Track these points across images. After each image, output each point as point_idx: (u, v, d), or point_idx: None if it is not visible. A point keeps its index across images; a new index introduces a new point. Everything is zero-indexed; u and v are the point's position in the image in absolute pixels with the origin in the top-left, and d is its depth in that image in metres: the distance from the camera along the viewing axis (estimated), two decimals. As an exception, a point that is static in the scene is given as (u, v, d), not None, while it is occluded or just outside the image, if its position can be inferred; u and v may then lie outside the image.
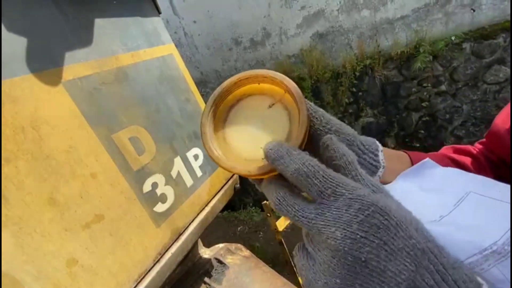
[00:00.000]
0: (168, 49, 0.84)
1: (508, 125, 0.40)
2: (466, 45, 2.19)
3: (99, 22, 0.65)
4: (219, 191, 0.95)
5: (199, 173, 0.87)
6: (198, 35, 3.11)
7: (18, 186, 0.48)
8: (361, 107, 2.70)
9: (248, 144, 0.28)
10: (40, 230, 0.49)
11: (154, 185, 0.72)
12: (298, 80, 2.69)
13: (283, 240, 1.69)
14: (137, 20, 0.76)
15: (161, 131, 0.76)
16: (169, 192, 0.76)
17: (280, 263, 2.12)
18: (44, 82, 0.53)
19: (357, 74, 2.54)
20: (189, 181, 0.83)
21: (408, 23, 2.31)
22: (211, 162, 0.93)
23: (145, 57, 0.76)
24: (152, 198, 0.71)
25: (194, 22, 3.06)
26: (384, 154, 0.33)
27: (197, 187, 0.85)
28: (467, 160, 0.46)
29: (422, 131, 2.60)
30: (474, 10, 2.11)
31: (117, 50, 0.69)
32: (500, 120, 0.43)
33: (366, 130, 2.76)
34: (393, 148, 2.73)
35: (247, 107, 0.30)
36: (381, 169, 0.31)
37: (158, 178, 0.73)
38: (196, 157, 0.87)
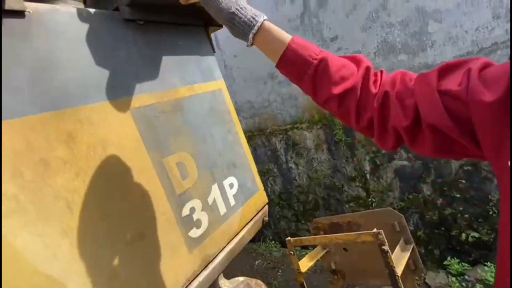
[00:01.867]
0: (219, 84, 0.92)
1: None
2: None
3: (165, 59, 0.75)
4: (248, 222, 0.95)
5: (232, 202, 0.89)
6: (236, 68, 3.34)
7: (82, 199, 0.53)
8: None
9: None
10: (93, 242, 0.54)
11: (192, 210, 0.75)
12: (330, 116, 2.71)
13: (305, 283, 1.60)
14: (195, 58, 0.85)
15: (204, 158, 0.81)
16: (204, 218, 0.78)
17: (298, 307, 1.97)
18: (116, 109, 0.61)
19: (392, 115, 2.50)
20: (222, 209, 0.85)
21: (448, 70, 2.28)
22: (244, 192, 0.95)
23: (199, 90, 0.84)
24: (189, 222, 0.73)
25: (235, 56, 3.30)
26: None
27: (229, 216, 0.87)
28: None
29: (463, 181, 2.42)
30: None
31: (176, 83, 0.77)
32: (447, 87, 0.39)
33: (399, 174, 2.63)
34: (430, 196, 2.54)
35: None
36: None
37: (196, 203, 0.76)
38: (231, 185, 0.90)
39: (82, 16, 0.59)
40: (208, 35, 0.92)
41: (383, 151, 2.65)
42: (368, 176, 2.77)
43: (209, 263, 0.77)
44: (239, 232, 0.90)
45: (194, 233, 0.74)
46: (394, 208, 1.93)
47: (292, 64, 0.51)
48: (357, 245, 1.48)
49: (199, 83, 0.84)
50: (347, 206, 3.00)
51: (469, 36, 2.16)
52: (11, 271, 0.43)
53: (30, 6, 0.51)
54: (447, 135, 0.39)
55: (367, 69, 0.48)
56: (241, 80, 3.36)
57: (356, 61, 0.49)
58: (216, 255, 0.80)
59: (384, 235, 1.04)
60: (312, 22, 2.80)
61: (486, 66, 0.37)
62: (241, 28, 0.51)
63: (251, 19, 0.50)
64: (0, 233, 0.40)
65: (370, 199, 2.82)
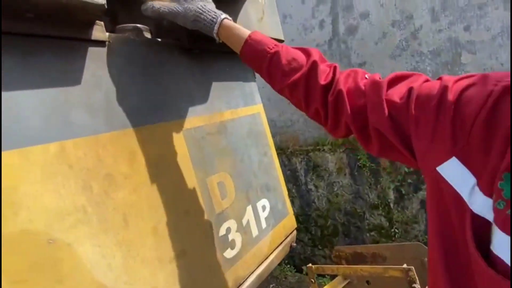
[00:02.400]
0: (258, 108, 0.96)
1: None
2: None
3: (214, 85, 0.80)
4: (278, 246, 0.95)
5: (264, 224, 0.90)
6: (262, 87, 3.43)
7: (137, 213, 0.56)
8: (422, 179, 2.51)
9: None
10: (141, 255, 0.56)
11: (228, 230, 0.76)
12: (354, 140, 2.69)
13: (324, 314, 1.53)
14: (239, 84, 0.90)
15: (241, 179, 0.84)
16: (238, 239, 0.79)
17: None
18: (171, 129, 0.66)
19: (420, 144, 2.43)
20: (255, 231, 0.85)
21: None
22: (275, 215, 0.95)
23: (241, 114, 0.88)
24: (224, 242, 0.74)
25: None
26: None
27: (260, 239, 0.87)
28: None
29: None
30: None
31: (222, 107, 0.82)
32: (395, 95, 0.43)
33: (424, 204, 2.52)
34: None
35: None
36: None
37: (232, 223, 0.78)
38: (263, 208, 0.91)
39: (149, 45, 0.66)
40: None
41: (409, 180, 2.56)
42: (392, 205, 2.67)
43: (239, 286, 0.77)
44: (269, 256, 0.90)
45: (229, 253, 0.75)
46: (419, 242, 1.83)
47: (250, 58, 0.57)
48: (383, 279, 1.40)
49: (242, 107, 0.89)
50: (368, 235, 2.88)
51: (505, 69, 2.11)
52: (75, 278, 0.46)
53: (111, 37, 0.58)
54: (392, 142, 0.43)
55: (314, 62, 0.52)
56: (265, 99, 3.43)
57: (307, 54, 0.54)
58: (246, 278, 0.80)
59: (414, 272, 0.99)
60: (340, 47, 2.86)
61: (422, 88, 0.41)
62: (207, 27, 0.57)
63: (211, 19, 0.56)
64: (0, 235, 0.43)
65: (393, 230, 2.70)
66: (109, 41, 0.57)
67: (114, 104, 0.56)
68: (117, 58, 0.58)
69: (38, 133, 0.45)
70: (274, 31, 0.92)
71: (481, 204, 0.31)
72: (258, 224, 0.87)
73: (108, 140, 0.54)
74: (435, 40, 2.36)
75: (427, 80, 0.42)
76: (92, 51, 0.54)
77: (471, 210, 0.32)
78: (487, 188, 0.31)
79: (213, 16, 0.56)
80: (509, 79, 0.32)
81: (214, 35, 0.58)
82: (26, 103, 0.44)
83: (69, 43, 0.51)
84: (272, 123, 3.56)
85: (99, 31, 0.54)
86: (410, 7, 2.43)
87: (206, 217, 0.70)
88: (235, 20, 0.77)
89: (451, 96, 0.35)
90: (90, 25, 0.53)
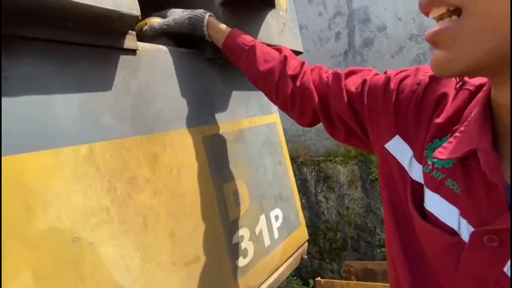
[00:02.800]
0: (274, 118, 0.97)
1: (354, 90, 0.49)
2: None
3: (234, 94, 0.82)
4: (289, 257, 0.94)
5: (276, 234, 0.89)
6: (275, 96, 3.45)
7: (156, 216, 0.58)
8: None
9: None
10: (158, 259, 0.57)
11: (241, 238, 0.76)
12: (367, 153, 2.64)
13: (332, 331, 1.49)
14: (257, 94, 0.92)
15: (256, 188, 0.84)
16: (250, 248, 0.79)
17: None
18: (192, 136, 0.68)
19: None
20: (267, 241, 0.85)
21: None
22: (287, 226, 0.95)
23: (258, 123, 0.89)
24: (237, 250, 0.74)
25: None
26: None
27: (272, 249, 0.86)
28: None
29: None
30: None
31: (241, 115, 0.83)
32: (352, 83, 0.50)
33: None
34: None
35: None
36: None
37: (245, 232, 0.78)
38: (276, 218, 0.91)
39: (175, 54, 0.68)
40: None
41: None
42: (404, 221, 2.60)
43: (250, 296, 0.76)
44: (280, 267, 0.89)
45: (241, 262, 0.75)
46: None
47: (231, 50, 0.64)
48: (395, 298, 1.35)
49: (259, 116, 0.90)
50: (378, 251, 2.80)
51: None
52: (95, 277, 0.47)
53: (140, 45, 0.61)
54: (351, 126, 0.50)
55: (285, 56, 0.60)
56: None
57: (279, 50, 0.63)
58: (257, 288, 0.79)
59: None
60: (356, 59, 2.86)
61: (372, 80, 0.48)
62: (199, 25, 0.64)
63: (201, 16, 0.64)
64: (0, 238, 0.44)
65: (405, 247, 2.61)
66: (139, 50, 0.60)
67: (140, 110, 0.58)
68: (145, 66, 0.61)
69: (71, 135, 0.48)
70: (293, 43, 0.93)
71: (417, 172, 0.39)
72: (270, 234, 0.87)
73: (133, 144, 0.56)
74: (454, 55, 2.32)
75: (376, 74, 0.49)
76: (123, 59, 0.57)
77: (410, 177, 0.39)
78: (419, 158, 0.38)
79: (201, 13, 0.65)
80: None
81: (205, 28, 0.64)
82: (61, 106, 0.47)
83: (103, 51, 0.53)
84: (284, 131, 3.57)
85: (131, 40, 0.57)
86: (429, 21, 2.41)
87: (220, 224, 0.71)
88: (257, 31, 0.79)
89: (392, 85, 0.43)
90: (123, 34, 0.56)
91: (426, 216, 0.36)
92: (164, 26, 0.65)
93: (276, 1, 0.85)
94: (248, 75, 0.66)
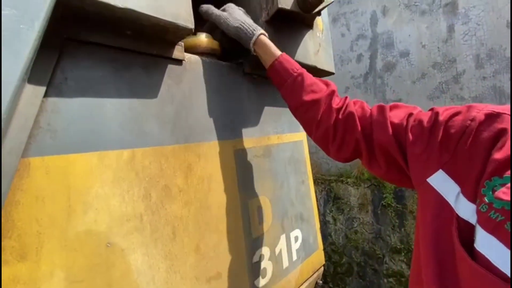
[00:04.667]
0: (301, 136, 0.97)
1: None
2: None
3: (266, 109, 0.82)
4: (305, 281, 0.90)
5: (294, 256, 0.86)
6: (291, 111, 3.45)
7: (184, 227, 0.57)
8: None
9: None
10: (182, 272, 0.56)
11: (261, 257, 0.74)
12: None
13: None
14: (286, 111, 0.91)
15: (279, 206, 0.82)
16: (269, 268, 0.76)
17: None
18: (225, 148, 0.68)
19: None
20: (285, 262, 0.82)
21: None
22: (305, 248, 0.92)
23: (286, 140, 0.88)
24: (256, 269, 0.72)
25: (292, 101, 3.44)
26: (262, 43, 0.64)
27: (290, 271, 0.84)
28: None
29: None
30: None
31: (270, 131, 0.83)
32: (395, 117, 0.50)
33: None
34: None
35: None
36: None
37: (266, 251, 0.76)
38: (296, 239, 0.88)
39: (216, 66, 0.69)
40: (299, 90, 1.00)
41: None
42: (415, 252, 2.49)
43: (264, 318, 0.73)
44: (295, 290, 0.86)
45: (259, 282, 0.73)
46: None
47: (277, 72, 0.64)
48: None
49: (287, 133, 0.89)
50: (385, 280, 2.68)
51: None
52: (122, 285, 0.46)
53: (187, 56, 0.62)
54: (394, 157, 0.49)
55: (333, 91, 0.61)
56: (293, 123, 3.45)
57: (326, 83, 0.63)
58: (272, 311, 0.76)
59: None
60: (376, 82, 2.85)
61: (418, 115, 0.48)
62: (245, 38, 0.64)
63: (252, 32, 0.64)
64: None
65: (414, 280, 2.49)
66: (185, 60, 0.61)
67: (180, 119, 0.59)
68: (189, 77, 0.62)
69: (116, 139, 0.48)
70: (327, 64, 0.94)
71: (465, 209, 0.37)
72: (289, 255, 0.84)
73: (171, 152, 0.56)
74: (479, 87, 2.29)
75: (421, 111, 0.50)
76: (170, 68, 0.58)
77: (456, 214, 0.38)
78: (470, 195, 0.37)
79: (253, 29, 0.64)
80: (489, 109, 0.39)
81: (251, 44, 0.64)
82: (112, 110, 0.48)
83: (153, 59, 0.55)
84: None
85: (179, 51, 0.58)
86: (454, 51, 2.41)
87: (243, 240, 0.69)
88: (295, 50, 0.80)
89: (441, 118, 0.43)
90: (173, 44, 0.57)
91: (476, 257, 0.35)
92: (213, 16, 0.66)
93: (314, 23, 0.87)
94: (290, 101, 0.65)
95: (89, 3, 0.39)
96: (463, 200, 0.38)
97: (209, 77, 0.67)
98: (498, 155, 0.35)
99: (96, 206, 0.45)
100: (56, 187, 0.41)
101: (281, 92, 0.66)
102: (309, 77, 0.63)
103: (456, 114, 0.42)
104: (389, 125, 0.49)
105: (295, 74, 0.63)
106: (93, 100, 0.46)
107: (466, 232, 0.37)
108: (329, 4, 0.73)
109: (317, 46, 0.89)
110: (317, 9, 0.70)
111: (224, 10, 0.67)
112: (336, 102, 0.59)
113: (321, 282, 0.98)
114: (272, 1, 0.67)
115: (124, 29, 0.48)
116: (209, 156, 0.64)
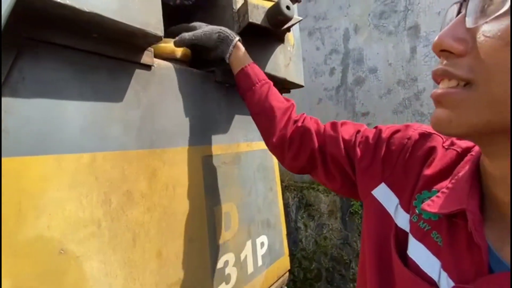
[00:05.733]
0: (271, 144, 1.00)
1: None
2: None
3: (236, 117, 0.84)
4: (269, 287, 0.92)
5: (260, 262, 0.88)
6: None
7: (146, 233, 0.56)
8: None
9: None
10: (142, 279, 0.55)
11: (226, 263, 0.75)
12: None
13: None
14: (257, 119, 0.94)
15: (246, 212, 0.84)
16: (234, 274, 0.77)
17: None
18: (192, 154, 0.68)
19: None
20: (250, 268, 0.84)
21: None
22: (271, 254, 0.94)
23: (255, 147, 0.91)
24: (220, 276, 0.73)
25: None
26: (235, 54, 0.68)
27: (254, 276, 0.85)
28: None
29: None
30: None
31: (239, 139, 0.85)
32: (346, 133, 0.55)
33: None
34: None
35: None
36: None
37: (231, 257, 0.77)
38: (262, 245, 0.90)
39: (186, 73, 0.70)
40: (270, 100, 1.03)
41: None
42: (379, 257, 2.62)
43: (227, 325, 0.74)
44: (259, 296, 0.87)
45: (222, 288, 0.73)
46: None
47: (248, 76, 0.67)
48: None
49: (256, 141, 0.92)
50: (351, 285, 2.79)
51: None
52: (75, 295, 0.45)
53: (156, 62, 0.62)
54: (346, 171, 0.52)
55: (293, 104, 0.66)
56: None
57: (287, 99, 0.67)
58: (235, 317, 0.77)
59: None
60: (346, 95, 3.01)
61: (365, 132, 0.53)
62: (227, 41, 0.67)
63: (233, 35, 0.67)
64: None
65: (378, 284, 2.62)
66: (154, 66, 0.61)
67: (146, 124, 0.59)
68: (157, 82, 0.62)
69: (75, 142, 0.47)
70: (297, 77, 0.99)
71: (402, 219, 0.41)
72: (254, 261, 0.86)
73: (135, 157, 0.56)
74: (436, 104, 2.51)
75: (366, 129, 0.54)
76: (138, 73, 0.58)
77: (395, 223, 0.41)
78: (406, 206, 0.41)
79: (232, 34, 0.68)
80: (423, 129, 0.44)
81: (231, 46, 0.67)
82: (72, 112, 0.47)
83: (120, 64, 0.54)
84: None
85: (148, 56, 0.59)
86: (416, 70, 2.62)
87: (208, 247, 0.70)
88: (266, 63, 0.83)
89: (384, 135, 0.47)
90: (142, 50, 0.57)
91: (408, 263, 0.38)
92: (193, 37, 0.66)
93: (285, 37, 0.91)
94: (254, 106, 0.67)
95: (53, 5, 0.39)
96: (401, 211, 0.41)
97: (179, 84, 0.67)
98: (428, 171, 0.40)
99: (49, 211, 0.43)
100: (6, 190, 0.39)
101: (247, 96, 0.68)
102: (274, 88, 0.68)
103: (396, 132, 0.47)
104: (341, 140, 0.54)
105: (263, 81, 0.67)
106: (53, 102, 0.45)
107: (403, 240, 0.40)
108: (297, 22, 0.77)
109: (287, 59, 0.94)
110: (285, 26, 0.74)
111: (193, 29, 0.70)
112: (295, 115, 0.64)
113: (285, 287, 1.00)
114: (244, 15, 0.70)
115: (90, 32, 0.48)
116: (175, 162, 0.64)
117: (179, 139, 0.66)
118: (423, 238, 0.37)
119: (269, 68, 0.83)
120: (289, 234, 3.21)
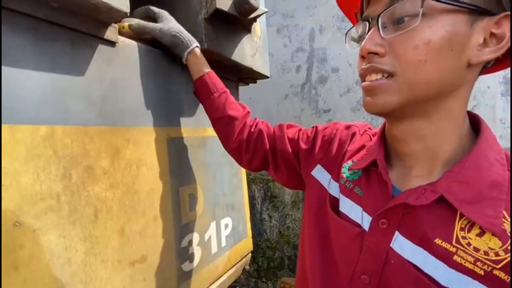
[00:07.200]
0: (236, 131, 1.03)
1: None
2: None
3: (203, 102, 0.86)
4: (232, 266, 0.96)
5: (223, 242, 0.92)
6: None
7: (108, 210, 0.56)
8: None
9: None
10: (103, 255, 0.55)
11: (190, 243, 0.77)
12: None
13: None
14: (224, 105, 0.97)
15: (210, 195, 0.87)
16: (198, 253, 0.80)
17: None
18: (157, 135, 0.69)
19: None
20: (214, 248, 0.87)
21: None
22: (234, 235, 0.98)
23: (221, 133, 0.93)
24: (184, 255, 0.75)
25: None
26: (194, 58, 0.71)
27: (218, 256, 0.88)
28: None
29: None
30: None
31: (206, 124, 0.87)
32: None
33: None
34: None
35: None
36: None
37: (195, 237, 0.79)
38: (226, 226, 0.94)
39: (152, 54, 0.70)
40: (237, 89, 1.06)
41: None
42: (336, 244, 2.83)
43: (190, 302, 0.76)
44: (222, 275, 0.91)
45: (186, 266, 0.75)
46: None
47: (206, 84, 0.71)
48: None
49: (222, 127, 0.95)
50: (311, 271, 2.97)
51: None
52: (31, 268, 0.44)
53: (121, 39, 0.62)
54: (292, 164, 0.63)
55: (248, 112, 0.74)
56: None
57: (243, 106, 0.74)
58: (198, 295, 0.80)
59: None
60: (311, 92, 3.16)
61: (305, 130, 0.66)
62: (181, 47, 0.69)
63: (188, 42, 0.69)
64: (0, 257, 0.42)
65: (334, 268, 2.82)
66: (118, 43, 0.61)
67: (109, 101, 0.58)
68: (121, 60, 0.61)
69: (32, 113, 0.45)
70: (262, 68, 1.03)
71: (334, 188, 0.52)
72: (218, 242, 0.89)
73: (97, 133, 0.55)
74: (388, 104, 2.77)
75: (306, 129, 0.66)
76: (101, 48, 0.57)
77: (329, 193, 0.52)
78: (336, 177, 0.52)
79: (190, 40, 0.69)
80: (346, 124, 0.59)
81: (186, 53, 0.69)
82: (29, 82, 0.45)
83: (82, 37, 0.53)
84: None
85: (112, 32, 0.58)
86: (372, 72, 2.86)
87: (172, 226, 0.71)
88: (232, 51, 0.86)
89: (319, 129, 0.62)
90: (106, 25, 0.57)
91: (340, 216, 0.49)
92: (147, 30, 0.67)
93: (252, 28, 0.95)
94: (213, 113, 0.72)
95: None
96: (332, 182, 0.53)
97: (144, 63, 0.67)
98: (351, 147, 0.54)
99: (3, 182, 0.42)
100: (-49, 158, 0.37)
101: (206, 103, 0.73)
102: (232, 97, 0.74)
103: (328, 127, 0.61)
104: (286, 138, 0.65)
105: (221, 90, 0.71)
106: (8, 70, 0.43)
107: (335, 203, 0.50)
108: (263, 13, 0.82)
109: (254, 50, 0.98)
110: (252, 15, 0.78)
111: (157, 19, 0.70)
112: (249, 121, 0.72)
113: (248, 267, 1.06)
114: (211, 1, 0.72)
115: (48, 1, 0.46)
116: (139, 141, 0.64)
117: (144, 119, 0.66)
118: (349, 194, 0.48)
119: (236, 56, 0.87)
120: (254, 225, 3.29)
